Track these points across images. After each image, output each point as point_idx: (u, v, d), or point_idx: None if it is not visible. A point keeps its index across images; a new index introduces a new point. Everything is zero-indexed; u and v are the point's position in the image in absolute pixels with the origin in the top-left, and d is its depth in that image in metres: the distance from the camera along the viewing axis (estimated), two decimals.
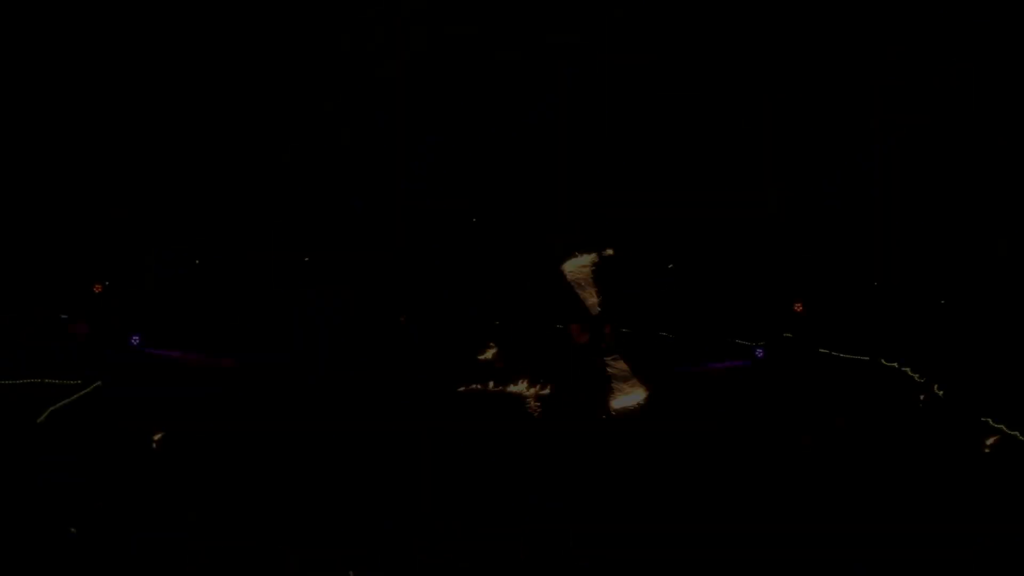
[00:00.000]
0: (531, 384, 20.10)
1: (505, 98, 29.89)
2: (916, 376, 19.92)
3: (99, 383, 19.05)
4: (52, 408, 17.17)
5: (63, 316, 22.50)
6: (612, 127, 28.80)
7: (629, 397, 17.31)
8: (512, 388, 20.31)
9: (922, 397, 18.35)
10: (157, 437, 14.91)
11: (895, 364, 21.04)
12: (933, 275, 24.91)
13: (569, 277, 17.11)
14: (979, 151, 25.14)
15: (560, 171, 28.70)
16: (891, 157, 26.05)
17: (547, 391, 19.43)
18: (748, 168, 27.69)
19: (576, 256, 17.08)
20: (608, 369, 17.31)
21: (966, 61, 25.65)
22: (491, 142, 29.91)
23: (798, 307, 23.60)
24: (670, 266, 18.08)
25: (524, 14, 28.99)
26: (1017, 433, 16.00)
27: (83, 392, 18.54)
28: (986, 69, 25.38)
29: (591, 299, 17.31)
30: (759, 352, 22.85)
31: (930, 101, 25.93)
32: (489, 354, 22.25)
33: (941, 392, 18.36)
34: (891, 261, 25.71)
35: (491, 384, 20.53)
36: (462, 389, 20.27)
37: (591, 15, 28.65)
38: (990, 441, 15.89)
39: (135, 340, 22.90)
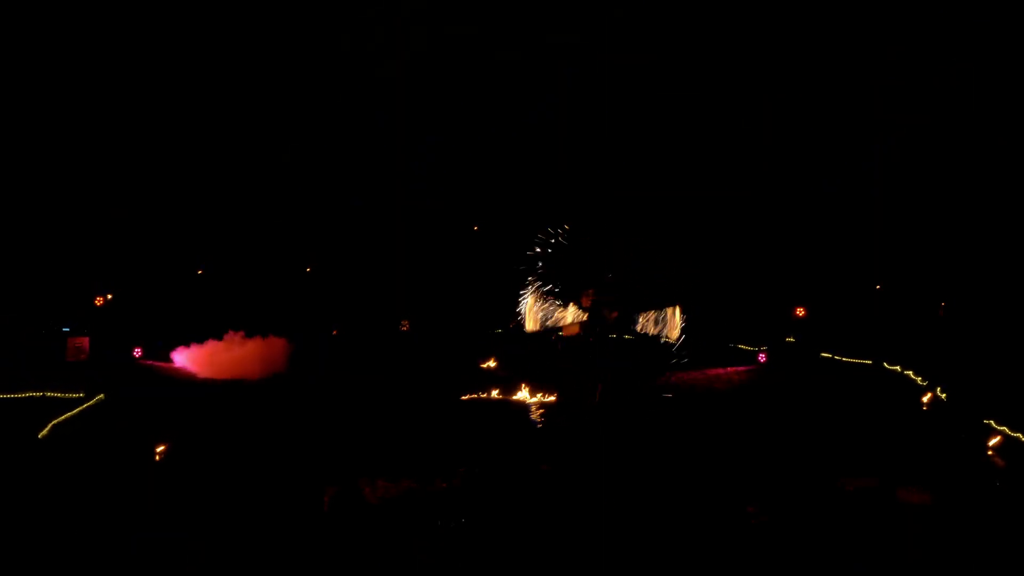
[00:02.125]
0: (534, 391, 20.09)
1: (505, 98, 29.82)
2: (919, 379, 19.90)
3: (102, 396, 18.98)
4: (55, 422, 17.08)
5: (65, 329, 22.47)
6: (612, 127, 28.76)
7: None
8: (516, 396, 20.28)
9: (925, 400, 18.29)
10: (160, 449, 14.81)
11: (898, 367, 21.02)
12: (934, 277, 24.87)
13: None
14: (979, 151, 25.06)
15: (560, 171, 28.67)
16: (891, 157, 25.98)
17: (550, 399, 19.38)
18: (748, 168, 27.64)
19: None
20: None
21: (966, 61, 25.56)
22: (491, 142, 29.83)
23: (800, 311, 23.59)
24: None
25: (524, 14, 28.90)
26: (1020, 435, 15.97)
27: (86, 405, 18.45)
28: (986, 69, 25.29)
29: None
30: (762, 356, 22.83)
31: (930, 101, 25.87)
32: (492, 362, 22.22)
33: (944, 395, 18.32)
34: (891, 264, 25.69)
35: (495, 392, 20.51)
36: (466, 397, 20.24)
37: (591, 15, 28.58)
38: (993, 442, 15.86)
39: (138, 352, 22.91)
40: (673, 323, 17.22)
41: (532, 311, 17.95)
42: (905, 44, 26.33)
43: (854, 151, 26.77)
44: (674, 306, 17.22)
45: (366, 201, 29.60)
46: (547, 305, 17.78)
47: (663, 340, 17.42)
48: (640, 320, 17.31)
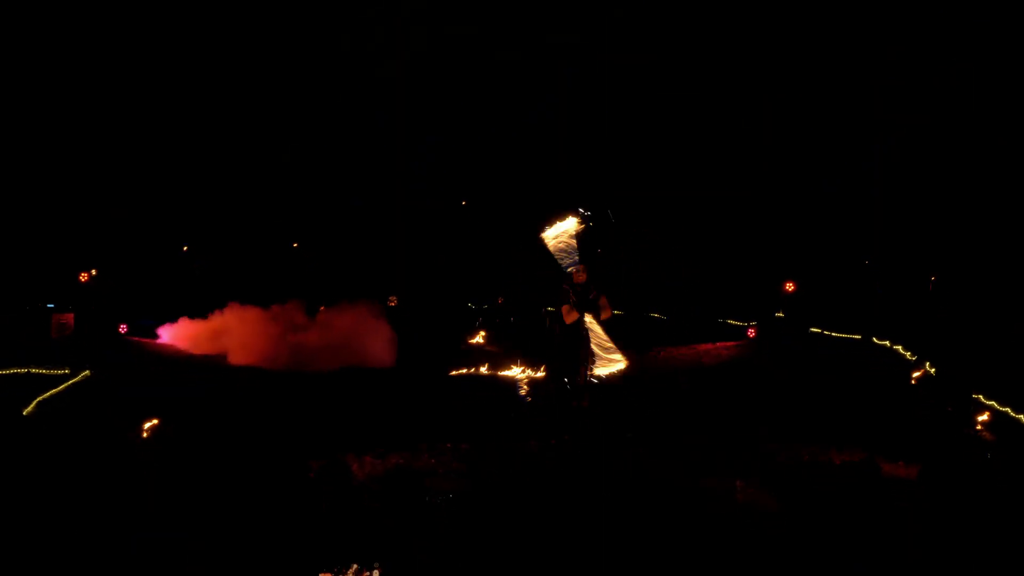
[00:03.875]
0: (523, 366, 20.06)
1: (505, 98, 29.80)
2: (908, 354, 19.81)
3: (87, 372, 18.89)
4: (40, 398, 16.97)
5: (49, 306, 22.40)
6: (612, 127, 28.74)
7: (612, 366, 17.16)
8: (504, 372, 20.23)
9: (914, 374, 18.18)
10: (148, 426, 14.68)
11: (887, 342, 20.94)
12: (924, 251, 24.79)
13: (552, 246, 16.98)
14: (967, 130, 25.01)
15: (560, 170, 28.65)
16: (879, 137, 25.94)
17: (539, 375, 19.32)
18: (747, 167, 27.60)
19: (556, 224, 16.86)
20: (593, 344, 17.14)
21: (966, 61, 25.45)
22: (491, 141, 29.81)
23: (790, 286, 23.50)
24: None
25: (524, 14, 28.89)
26: (1008, 409, 15.85)
27: (72, 382, 18.36)
28: (986, 69, 25.18)
29: (572, 264, 17.12)
30: (751, 331, 22.80)
31: (930, 101, 25.77)
32: (480, 338, 22.17)
33: (933, 369, 18.20)
34: (881, 238, 25.62)
35: (483, 368, 20.46)
36: (454, 373, 20.20)
37: (591, 15, 28.56)
38: (982, 417, 15.74)
39: (123, 329, 22.83)
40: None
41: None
42: (905, 44, 26.21)
43: (843, 133, 26.73)
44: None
45: (362, 191, 29.62)
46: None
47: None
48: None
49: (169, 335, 22.53)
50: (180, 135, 28.14)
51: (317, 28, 29.27)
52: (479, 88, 30.11)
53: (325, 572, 10.08)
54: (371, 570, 10.15)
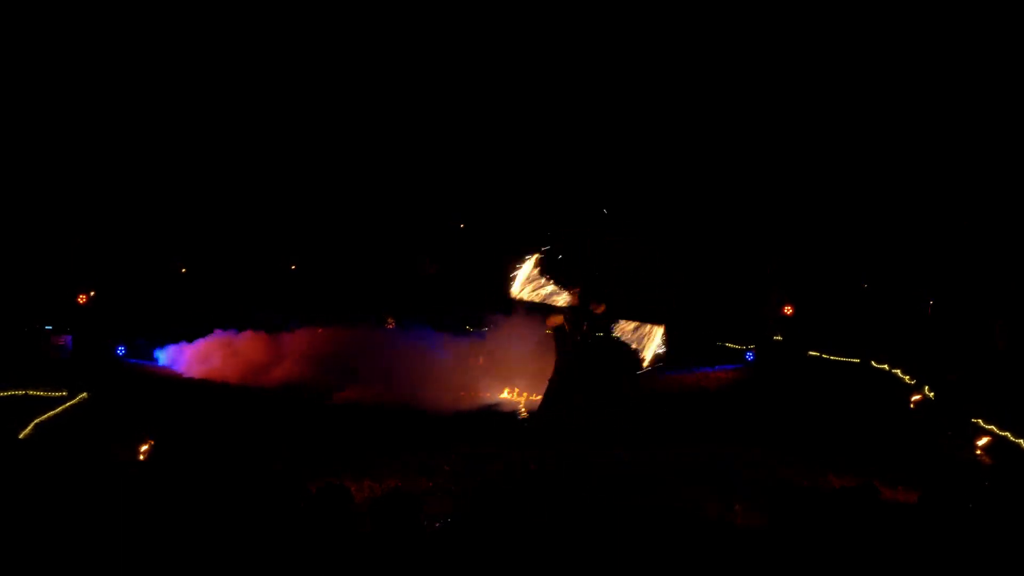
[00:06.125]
0: (519, 390, 20.06)
1: (504, 100, 29.58)
2: (907, 378, 19.75)
3: (85, 394, 18.82)
4: (37, 420, 16.88)
5: (47, 328, 22.32)
6: (606, 130, 28.61)
7: None
8: (501, 395, 20.23)
9: (913, 398, 18.15)
10: (144, 448, 14.64)
11: (885, 366, 20.88)
12: (922, 275, 24.69)
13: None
14: (966, 147, 24.88)
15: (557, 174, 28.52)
16: (878, 153, 25.81)
17: (536, 396, 19.30)
18: (743, 173, 27.48)
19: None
20: None
21: (966, 61, 25.31)
22: (487, 144, 29.62)
23: (788, 310, 23.48)
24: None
25: (524, 15, 28.66)
26: (1008, 434, 15.80)
27: (69, 404, 18.28)
28: (986, 69, 25.03)
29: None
30: (750, 355, 22.79)
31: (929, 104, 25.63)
32: (479, 360, 22.14)
33: (932, 393, 18.16)
34: (879, 261, 25.53)
35: (481, 390, 20.45)
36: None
37: (591, 16, 28.36)
38: (981, 442, 15.72)
39: (121, 351, 22.77)
40: (651, 341, 17.07)
41: (526, 278, 17.62)
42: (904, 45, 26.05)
43: (841, 148, 26.58)
44: (658, 326, 17.01)
45: (354, 204, 29.45)
46: (543, 280, 17.57)
47: (636, 353, 17.25)
48: (621, 324, 17.16)
49: (167, 358, 22.44)
50: (174, 138, 27.91)
51: (317, 28, 28.95)
52: (479, 88, 29.82)
53: None
54: None
